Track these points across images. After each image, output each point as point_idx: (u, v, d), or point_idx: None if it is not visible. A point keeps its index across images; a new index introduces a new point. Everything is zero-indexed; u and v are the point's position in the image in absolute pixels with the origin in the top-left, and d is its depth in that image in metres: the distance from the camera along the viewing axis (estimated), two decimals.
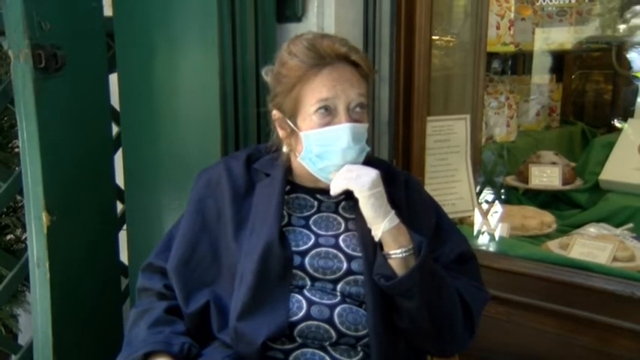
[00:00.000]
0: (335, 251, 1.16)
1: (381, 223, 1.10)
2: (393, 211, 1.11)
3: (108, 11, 1.67)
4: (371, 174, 1.11)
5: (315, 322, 1.10)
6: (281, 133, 1.22)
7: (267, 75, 1.24)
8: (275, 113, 1.21)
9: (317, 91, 1.12)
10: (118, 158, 1.76)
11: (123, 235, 1.81)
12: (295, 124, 1.17)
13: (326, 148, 1.14)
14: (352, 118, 1.14)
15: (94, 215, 1.68)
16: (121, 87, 1.68)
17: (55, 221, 1.52)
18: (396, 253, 1.09)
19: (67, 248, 1.58)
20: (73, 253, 1.61)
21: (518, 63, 3.25)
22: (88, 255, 1.66)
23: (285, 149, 1.24)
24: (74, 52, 1.54)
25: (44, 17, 1.45)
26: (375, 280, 1.10)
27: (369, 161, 1.18)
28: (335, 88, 1.12)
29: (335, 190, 1.14)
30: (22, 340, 2.20)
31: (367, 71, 1.18)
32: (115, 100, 1.73)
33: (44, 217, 1.51)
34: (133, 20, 1.61)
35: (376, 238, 1.11)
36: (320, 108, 1.13)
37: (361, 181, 1.10)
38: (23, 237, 2.21)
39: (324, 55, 1.13)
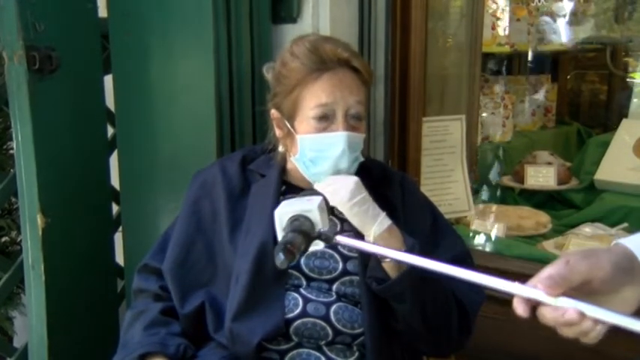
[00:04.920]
0: (331, 251, 1.16)
1: (370, 229, 1.09)
2: (383, 214, 1.10)
3: (103, 12, 1.66)
4: (348, 185, 1.10)
5: (312, 319, 1.10)
6: (278, 132, 1.22)
7: (268, 72, 1.24)
8: (273, 112, 1.21)
9: (316, 95, 1.12)
10: (114, 160, 1.75)
11: (118, 237, 1.80)
12: (293, 125, 1.17)
13: (320, 154, 1.14)
14: (349, 125, 1.14)
15: (89, 217, 1.67)
16: (116, 88, 1.67)
17: (50, 223, 1.51)
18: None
19: (63, 250, 1.57)
20: (69, 255, 1.60)
21: (514, 63, 3.26)
22: (83, 257, 1.65)
23: (281, 149, 1.24)
24: (69, 53, 1.53)
25: (38, 18, 1.44)
26: (368, 283, 1.10)
27: (364, 162, 1.19)
28: (334, 94, 1.12)
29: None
30: (18, 342, 2.19)
31: (367, 78, 1.17)
32: (110, 102, 1.72)
33: (39, 219, 1.50)
34: (128, 21, 1.61)
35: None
36: (318, 113, 1.13)
37: (339, 196, 1.09)
38: (18, 239, 2.19)
39: (326, 60, 1.13)
